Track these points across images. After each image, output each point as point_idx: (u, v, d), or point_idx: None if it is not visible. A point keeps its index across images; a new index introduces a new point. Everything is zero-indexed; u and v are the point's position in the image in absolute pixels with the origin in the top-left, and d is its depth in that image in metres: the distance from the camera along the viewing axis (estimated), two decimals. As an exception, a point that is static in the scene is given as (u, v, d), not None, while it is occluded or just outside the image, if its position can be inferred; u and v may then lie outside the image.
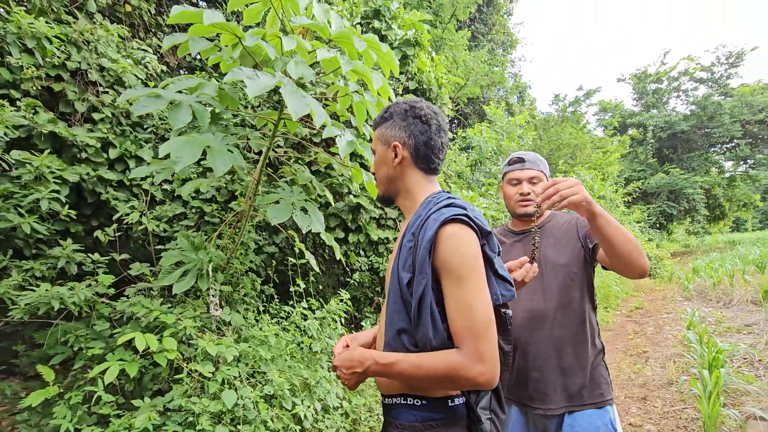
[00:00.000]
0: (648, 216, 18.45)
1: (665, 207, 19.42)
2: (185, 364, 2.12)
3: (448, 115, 8.43)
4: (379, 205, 4.31)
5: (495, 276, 0.99)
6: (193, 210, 3.68)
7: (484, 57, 8.82)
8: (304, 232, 2.06)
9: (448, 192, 1.07)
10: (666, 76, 22.88)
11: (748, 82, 21.84)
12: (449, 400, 0.96)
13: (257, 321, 2.86)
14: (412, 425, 0.97)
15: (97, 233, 2.99)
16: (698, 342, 3.51)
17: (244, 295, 3.05)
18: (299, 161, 3.37)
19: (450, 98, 8.92)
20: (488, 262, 0.97)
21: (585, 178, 6.62)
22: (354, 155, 3.55)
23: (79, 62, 3.41)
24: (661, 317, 6.71)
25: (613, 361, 4.61)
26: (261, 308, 3.17)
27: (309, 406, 2.40)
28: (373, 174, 1.14)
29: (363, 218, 4.15)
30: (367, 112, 2.36)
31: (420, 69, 4.66)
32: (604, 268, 1.35)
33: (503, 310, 1.01)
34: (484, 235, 0.97)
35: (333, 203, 3.20)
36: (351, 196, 3.96)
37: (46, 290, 2.14)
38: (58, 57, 3.30)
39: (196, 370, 2.10)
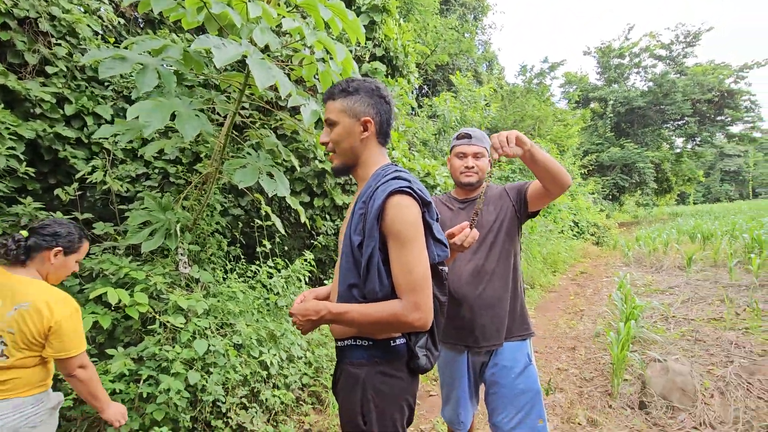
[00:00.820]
0: (602, 188, 19.55)
1: (618, 180, 20.60)
2: (158, 316, 2.27)
3: (414, 85, 8.50)
4: (345, 171, 4.44)
5: (433, 239, 1.17)
6: (157, 171, 3.68)
7: (454, 23, 8.80)
8: (269, 195, 2.20)
9: (395, 164, 1.25)
10: (628, 52, 23.58)
11: (701, 62, 22.93)
12: (391, 341, 1.16)
13: (225, 279, 3.02)
14: (360, 362, 1.18)
15: (58, 191, 2.99)
16: (622, 300, 4.00)
17: (212, 255, 3.18)
18: (265, 126, 3.43)
19: (417, 65, 8.95)
20: (427, 228, 1.15)
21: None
22: (319, 122, 3.63)
23: (27, 10, 3.24)
24: (601, 280, 7.40)
25: (553, 318, 5.13)
26: (228, 268, 3.32)
27: (275, 355, 2.64)
28: (326, 143, 1.23)
29: (328, 183, 4.29)
30: (333, 82, 2.47)
31: (387, 36, 4.70)
32: (531, 214, 1.62)
33: (440, 267, 1.19)
34: (425, 204, 1.15)
35: (299, 168, 3.31)
36: (316, 162, 4.07)
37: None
38: (5, 3, 3.13)
39: (169, 322, 2.26)
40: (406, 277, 1.07)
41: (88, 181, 3.00)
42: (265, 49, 2.49)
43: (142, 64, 2.10)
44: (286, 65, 4.09)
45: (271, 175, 2.40)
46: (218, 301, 2.57)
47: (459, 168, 1.70)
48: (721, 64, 22.31)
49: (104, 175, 3.01)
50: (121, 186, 3.24)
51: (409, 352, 1.16)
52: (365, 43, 4.75)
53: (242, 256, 3.59)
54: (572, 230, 10.93)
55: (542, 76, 13.29)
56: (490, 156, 1.73)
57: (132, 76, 3.59)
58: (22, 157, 2.72)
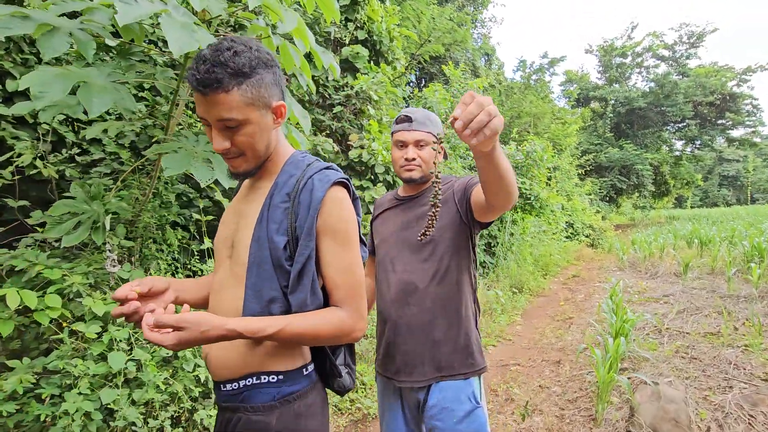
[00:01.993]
0: (599, 189, 19.28)
1: (616, 181, 20.32)
2: (65, 324, 1.95)
3: (408, 71, 8.11)
4: (319, 163, 4.12)
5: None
6: (112, 156, 3.33)
7: (450, 13, 8.42)
8: (203, 184, 1.88)
9: (300, 150, 1.05)
10: (631, 51, 23.21)
11: (704, 63, 22.60)
12: (304, 369, 0.95)
13: (168, 279, 2.69)
14: (269, 405, 0.90)
15: (-14, 175, 2.66)
16: (611, 311, 3.70)
17: (157, 251, 2.85)
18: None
19: (411, 56, 8.57)
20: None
21: (536, 148, 6.65)
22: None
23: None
24: (593, 285, 7.11)
25: (539, 326, 4.84)
26: (176, 267, 2.99)
27: (215, 368, 2.31)
28: (227, 150, 0.89)
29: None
30: (294, 64, 2.13)
31: (371, 18, 4.34)
32: (482, 224, 1.29)
33: None
34: (354, 199, 1.00)
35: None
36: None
37: None
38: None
39: (79, 331, 1.93)
40: (348, 282, 0.93)
41: (16, 164, 2.65)
42: (204, 15, 2.14)
43: (50, 26, 1.75)
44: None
45: (209, 162, 2.06)
46: (148, 306, 2.24)
47: (398, 160, 1.37)
48: (724, 67, 21.99)
49: (35, 159, 2.66)
50: (58, 171, 2.90)
51: (330, 370, 1.01)
52: (346, 25, 4.39)
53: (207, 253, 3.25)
54: (566, 231, 10.63)
55: (541, 72, 12.93)
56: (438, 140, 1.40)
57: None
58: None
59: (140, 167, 3.08)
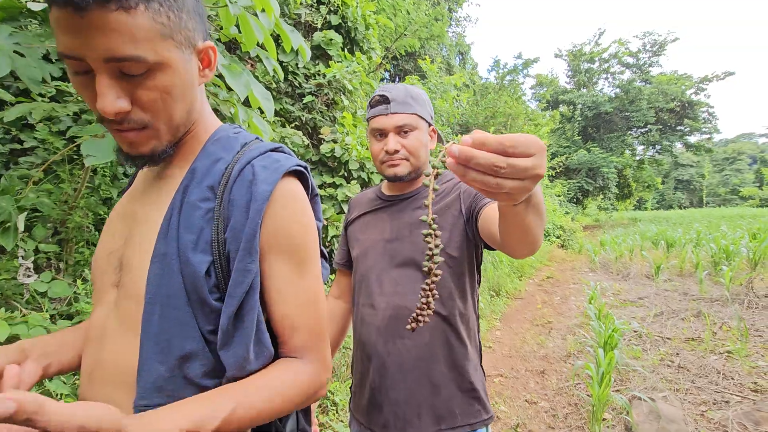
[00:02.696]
0: (567, 190, 19.69)
1: (583, 183, 20.84)
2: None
3: (383, 65, 7.81)
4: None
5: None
6: (45, 145, 2.85)
7: (425, 9, 8.20)
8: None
9: (232, 124, 0.72)
10: (598, 57, 23.91)
11: (666, 72, 23.57)
12: None
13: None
14: None
15: None
16: (596, 317, 3.55)
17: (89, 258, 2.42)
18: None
19: (387, 48, 8.29)
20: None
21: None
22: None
23: None
24: (568, 287, 7.06)
25: (520, 330, 4.66)
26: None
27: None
28: (132, 113, 0.55)
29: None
30: (257, 40, 1.77)
31: (345, 2, 4.01)
32: (486, 246, 1.00)
33: None
34: (313, 196, 0.71)
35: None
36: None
37: None
38: None
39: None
40: (311, 322, 0.63)
41: None
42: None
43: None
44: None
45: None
46: (71, 326, 1.83)
47: (378, 154, 1.04)
48: (683, 75, 23.01)
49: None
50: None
51: None
52: (318, 8, 4.04)
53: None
54: (539, 232, 10.65)
55: (515, 72, 12.96)
56: (431, 125, 1.10)
57: None
58: None
59: (74, 157, 2.63)
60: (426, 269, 0.53)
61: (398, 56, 8.14)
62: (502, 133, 11.11)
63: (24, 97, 2.76)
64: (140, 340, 0.56)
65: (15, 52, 1.45)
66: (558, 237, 12.95)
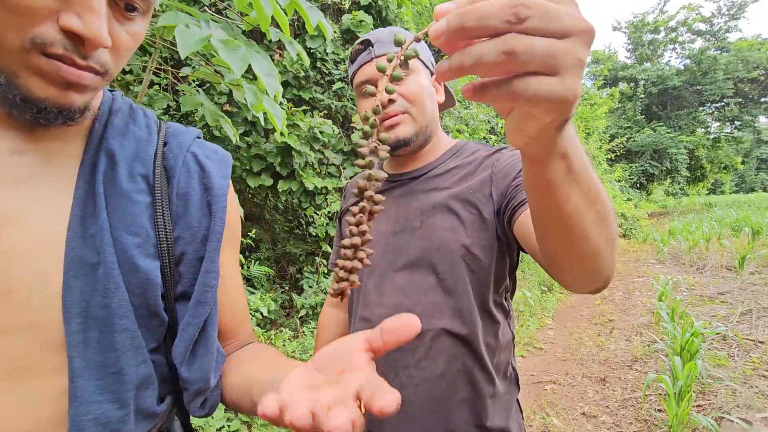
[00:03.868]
0: (629, 175, 18.16)
1: (648, 166, 19.11)
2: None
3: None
4: (317, 148, 3.60)
5: None
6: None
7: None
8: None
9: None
10: (664, 26, 21.69)
11: (746, 36, 20.90)
12: None
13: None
14: None
15: None
16: (669, 316, 3.06)
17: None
18: (187, 79, 2.59)
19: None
20: None
21: (566, 128, 5.93)
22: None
23: None
24: (631, 281, 6.39)
25: (575, 329, 4.21)
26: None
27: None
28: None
29: (297, 162, 3.44)
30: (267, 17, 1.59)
31: (374, -21, 3.75)
32: (520, 247, 0.72)
33: None
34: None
35: (234, 140, 2.47)
36: (278, 134, 3.23)
37: None
38: None
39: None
40: (246, 304, 0.64)
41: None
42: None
43: None
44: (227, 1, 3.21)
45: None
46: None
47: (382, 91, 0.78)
48: (768, 39, 20.27)
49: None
50: None
51: None
52: (346, -12, 3.81)
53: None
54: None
55: (568, 49, 11.97)
56: (433, 73, 0.83)
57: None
58: None
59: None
60: (357, 190, 0.36)
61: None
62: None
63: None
64: (69, 379, 0.43)
65: None
66: (619, 226, 11.95)
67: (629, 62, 22.82)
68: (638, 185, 19.61)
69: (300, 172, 3.53)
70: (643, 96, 20.68)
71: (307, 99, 3.74)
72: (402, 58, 0.34)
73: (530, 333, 3.98)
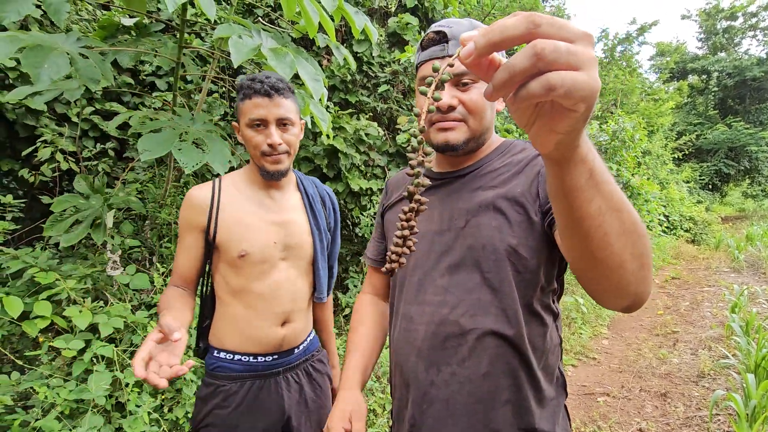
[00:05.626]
0: (700, 176, 16.67)
1: (722, 166, 17.41)
2: (41, 338, 1.68)
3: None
4: (363, 150, 3.66)
5: None
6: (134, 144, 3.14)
7: (517, -18, 7.48)
8: (187, 171, 1.50)
9: None
10: (742, 12, 19.66)
11: None
12: None
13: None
14: None
15: (22, 172, 2.57)
16: (743, 331, 2.78)
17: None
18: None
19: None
20: None
21: (625, 126, 5.57)
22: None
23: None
24: (700, 291, 5.87)
25: (633, 340, 3.94)
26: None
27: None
28: (281, 145, 1.07)
29: (343, 164, 3.52)
30: (313, 25, 1.67)
31: (420, -19, 3.76)
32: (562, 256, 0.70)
33: None
34: None
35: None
36: (325, 137, 3.32)
37: None
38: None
39: (60, 347, 1.65)
40: None
41: (36, 159, 2.52)
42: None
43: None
44: (279, 11, 3.34)
45: (201, 144, 1.67)
46: (147, 317, 1.93)
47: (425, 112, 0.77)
48: None
49: (53, 152, 2.52)
50: (86, 166, 2.76)
51: None
52: (392, -9, 3.84)
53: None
54: (661, 225, 9.12)
55: (628, 41, 11.22)
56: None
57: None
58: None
59: (164, 159, 2.84)
60: (406, 193, 0.46)
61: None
62: (610, 111, 9.72)
63: (132, 109, 3.08)
64: (311, 275, 1.23)
65: (80, 54, 1.52)
66: (687, 230, 11.00)
67: (700, 53, 20.93)
68: (710, 186, 17.93)
69: (346, 173, 3.61)
70: (716, 89, 18.86)
71: (353, 102, 3.82)
72: (439, 81, 0.43)
73: (582, 341, 3.78)
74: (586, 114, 0.34)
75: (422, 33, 4.04)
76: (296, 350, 1.15)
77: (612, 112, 9.83)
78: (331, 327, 1.36)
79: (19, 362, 1.72)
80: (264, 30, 1.89)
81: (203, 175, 3.07)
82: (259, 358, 1.10)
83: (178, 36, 2.21)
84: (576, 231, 0.45)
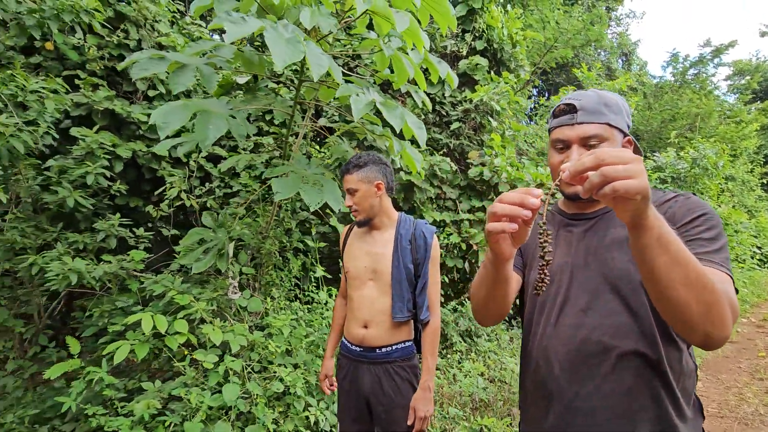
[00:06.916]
0: (796, 202, 14.94)
1: (822, 191, 15.51)
2: (186, 351, 1.97)
3: (531, 82, 7.42)
4: (436, 184, 3.84)
5: None
6: (247, 188, 3.57)
7: (579, 12, 7.53)
8: (311, 209, 1.74)
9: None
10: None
11: None
12: None
13: (286, 307, 2.65)
14: None
15: (148, 208, 3.03)
16: None
17: (279, 279, 2.87)
18: (336, 134, 3.04)
19: (535, 64, 7.87)
20: None
21: (707, 153, 5.30)
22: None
23: (138, 40, 3.46)
24: (808, 331, 5.25)
25: (733, 384, 3.63)
26: (298, 292, 2.97)
27: (327, 407, 2.13)
28: (353, 206, 1.59)
29: (417, 198, 3.72)
30: (408, 75, 1.92)
31: (490, 26, 3.99)
32: None
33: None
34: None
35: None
36: (402, 173, 3.56)
37: (64, 264, 2.13)
38: (117, 35, 3.36)
39: (199, 360, 1.93)
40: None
41: (165, 198, 2.97)
42: (317, 34, 2.07)
43: (180, 63, 1.84)
44: (357, 60, 3.68)
45: (319, 186, 1.93)
46: (263, 336, 2.18)
47: (557, 168, 0.93)
48: None
49: (179, 192, 2.95)
50: (204, 203, 3.17)
51: None
52: (463, 37, 4.11)
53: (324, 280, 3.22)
54: (754, 258, 8.30)
55: (702, 64, 10.69)
56: (626, 135, 0.92)
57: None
58: (108, 174, 2.76)
59: (266, 196, 3.21)
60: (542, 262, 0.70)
61: (548, 70, 7.66)
62: (686, 136, 9.20)
63: (229, 151, 3.53)
64: (390, 296, 1.55)
65: (231, 115, 1.86)
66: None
67: (786, 70, 19.22)
68: (810, 215, 15.97)
69: (419, 206, 3.80)
70: (809, 107, 17.10)
71: (427, 140, 4.05)
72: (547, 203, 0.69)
73: (673, 382, 3.55)
74: (645, 200, 0.59)
75: (491, 72, 4.24)
76: (378, 351, 1.53)
77: (687, 137, 9.30)
78: (428, 348, 1.53)
79: (166, 372, 2.02)
80: (346, 80, 2.16)
81: (296, 210, 3.39)
82: (352, 346, 1.59)
83: (292, 91, 2.56)
84: (650, 278, 0.66)
